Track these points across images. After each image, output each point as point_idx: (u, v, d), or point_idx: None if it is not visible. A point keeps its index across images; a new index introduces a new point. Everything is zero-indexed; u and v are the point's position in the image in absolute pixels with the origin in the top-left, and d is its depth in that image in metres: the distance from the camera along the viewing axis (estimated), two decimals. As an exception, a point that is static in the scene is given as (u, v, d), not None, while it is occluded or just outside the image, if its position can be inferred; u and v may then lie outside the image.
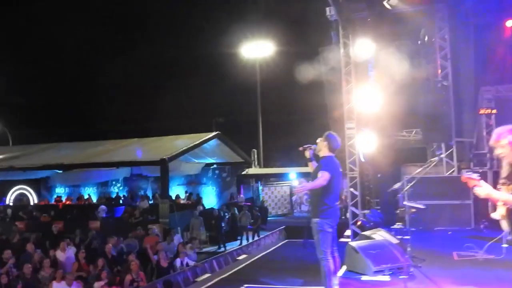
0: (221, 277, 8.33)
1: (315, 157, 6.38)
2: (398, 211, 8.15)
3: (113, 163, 15.52)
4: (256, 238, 14.04)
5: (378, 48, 10.74)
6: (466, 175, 4.65)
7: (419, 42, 11.80)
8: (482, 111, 11.68)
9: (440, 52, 11.31)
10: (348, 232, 11.36)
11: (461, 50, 11.30)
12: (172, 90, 22.05)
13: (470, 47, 11.13)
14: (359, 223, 10.07)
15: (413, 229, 10.06)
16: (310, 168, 6.39)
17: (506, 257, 7.72)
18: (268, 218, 18.37)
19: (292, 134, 18.85)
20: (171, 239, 12.36)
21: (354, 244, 7.55)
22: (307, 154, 6.32)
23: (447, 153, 11.17)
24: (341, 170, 6.26)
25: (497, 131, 4.63)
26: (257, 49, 19.46)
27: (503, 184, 4.60)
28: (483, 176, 10.90)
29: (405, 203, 7.24)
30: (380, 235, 8.17)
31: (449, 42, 11.16)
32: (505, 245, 8.21)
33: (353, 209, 10.50)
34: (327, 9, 12.28)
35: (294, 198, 21.00)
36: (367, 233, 8.32)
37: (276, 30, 17.90)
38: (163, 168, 14.50)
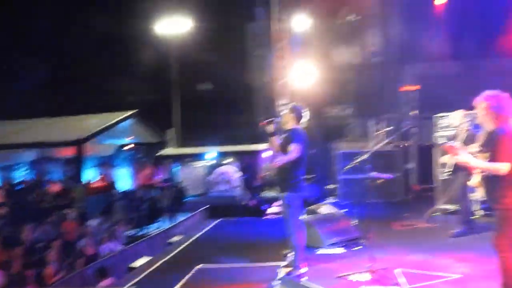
0: (163, 260, 7.86)
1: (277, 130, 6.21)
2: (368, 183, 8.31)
3: (20, 144, 14.26)
4: (179, 219, 13.65)
5: (314, 23, 10.74)
6: (448, 143, 4.74)
7: (352, 19, 11.95)
8: (404, 88, 12.18)
9: (371, 29, 11.60)
10: (274, 209, 11.47)
11: (390, 28, 11.61)
12: (81, 70, 20.63)
13: (397, 24, 11.47)
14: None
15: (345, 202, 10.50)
16: (272, 143, 6.17)
17: (441, 225, 8.10)
18: (185, 199, 18.00)
19: (212, 112, 18.47)
20: (91, 223, 11.66)
21: (306, 218, 7.49)
22: (271, 128, 6.10)
23: (378, 127, 11.53)
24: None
25: (483, 93, 4.71)
26: (173, 26, 18.85)
27: (480, 151, 4.70)
28: (407, 150, 11.50)
29: (372, 174, 7.34)
30: (326, 208, 8.22)
31: (379, 20, 11.46)
32: (437, 214, 8.64)
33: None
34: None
35: (211, 177, 20.72)
36: (312, 207, 8.30)
37: (193, 7, 17.28)
38: (78, 150, 13.64)
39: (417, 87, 12.08)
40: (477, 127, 8.46)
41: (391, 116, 11.88)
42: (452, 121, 7.90)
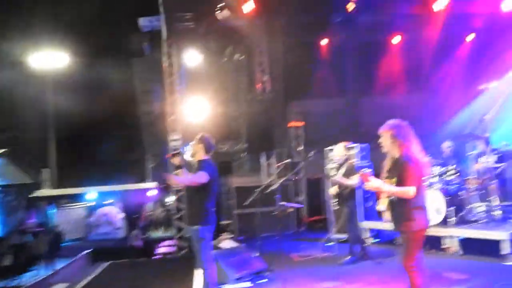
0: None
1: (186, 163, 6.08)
2: (275, 212, 8.32)
3: None
4: (58, 266, 12.60)
5: (205, 59, 10.85)
6: (361, 171, 4.97)
7: (239, 58, 12.23)
8: (291, 124, 12.73)
9: (259, 66, 12.01)
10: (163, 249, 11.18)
11: (274, 66, 12.11)
12: None
13: (281, 63, 12.01)
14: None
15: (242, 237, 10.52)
16: (180, 175, 6.01)
17: (339, 253, 8.41)
18: (63, 244, 16.73)
19: (91, 151, 17.51)
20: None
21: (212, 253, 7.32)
22: (177, 160, 5.95)
23: (268, 162, 11.85)
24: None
25: (387, 122, 5.07)
26: (49, 60, 17.80)
27: (387, 177, 5.02)
28: (297, 184, 11.91)
29: (282, 203, 7.43)
30: (227, 243, 8.15)
31: (268, 57, 11.94)
32: (331, 243, 8.97)
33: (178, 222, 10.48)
34: (140, 19, 11.90)
35: (91, 219, 19.55)
36: (213, 242, 8.15)
37: (72, 41, 16.51)
38: None
39: (302, 123, 12.70)
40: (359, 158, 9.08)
41: (280, 151, 12.28)
42: (335, 153, 8.33)
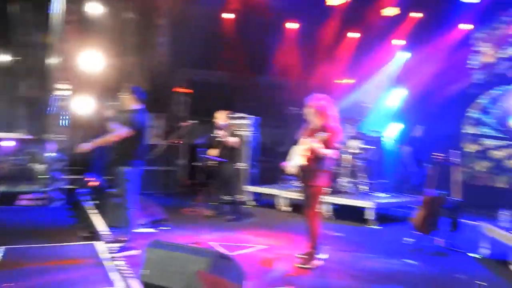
0: None
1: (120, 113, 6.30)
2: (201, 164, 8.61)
3: None
4: None
5: (106, 12, 10.73)
6: (300, 134, 5.74)
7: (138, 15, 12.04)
8: (179, 90, 13.09)
9: (157, 29, 12.08)
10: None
11: (172, 30, 12.28)
12: None
13: (178, 29, 12.20)
14: (95, 183, 9.76)
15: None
16: (112, 127, 6.22)
17: (223, 211, 9.08)
18: None
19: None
20: None
21: (116, 200, 7.50)
22: (108, 113, 6.17)
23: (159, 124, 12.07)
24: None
25: (313, 95, 5.92)
26: None
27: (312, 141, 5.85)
28: (179, 147, 12.31)
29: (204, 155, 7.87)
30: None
31: (167, 21, 12.09)
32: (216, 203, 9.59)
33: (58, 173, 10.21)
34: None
35: None
36: (116, 192, 8.27)
37: None
38: None
39: (190, 90, 13.13)
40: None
41: (167, 115, 12.58)
42: (218, 119, 9.02)
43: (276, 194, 10.24)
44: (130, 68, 11.39)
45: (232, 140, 8.66)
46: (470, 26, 12.23)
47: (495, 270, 5.96)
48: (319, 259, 5.83)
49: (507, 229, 6.04)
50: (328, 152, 5.67)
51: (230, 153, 8.78)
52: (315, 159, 5.74)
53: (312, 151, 5.72)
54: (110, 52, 11.00)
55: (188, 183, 11.91)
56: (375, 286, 5.08)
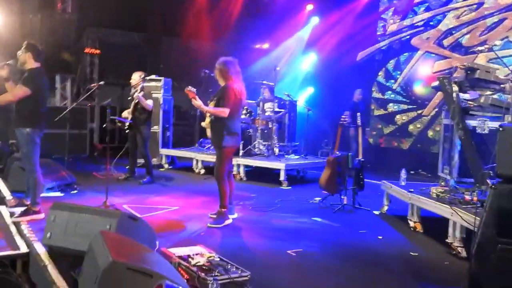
0: None
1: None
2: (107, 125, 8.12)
3: None
4: None
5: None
6: (188, 88, 5.80)
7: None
8: (87, 50, 12.50)
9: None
10: None
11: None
12: None
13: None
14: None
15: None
16: (8, 88, 5.82)
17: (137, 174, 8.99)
18: None
19: None
20: None
21: (19, 164, 7.15)
22: (4, 72, 5.75)
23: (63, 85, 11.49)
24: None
25: (220, 59, 5.99)
26: None
27: (211, 100, 6.00)
28: (91, 110, 11.90)
29: (113, 117, 7.56)
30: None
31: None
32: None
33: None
34: None
35: None
36: (16, 155, 7.89)
37: None
38: None
39: (98, 51, 12.60)
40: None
41: (75, 77, 12.03)
42: (132, 80, 8.83)
43: (192, 157, 10.22)
44: (32, 26, 10.74)
45: (146, 102, 8.48)
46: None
47: (393, 224, 6.39)
48: (228, 218, 5.96)
49: (403, 187, 6.45)
50: (213, 110, 5.83)
51: (143, 115, 8.58)
52: (217, 121, 5.86)
53: (210, 113, 5.90)
54: (10, 9, 10.30)
55: (100, 147, 11.58)
56: (282, 242, 5.26)
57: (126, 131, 8.68)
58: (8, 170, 7.30)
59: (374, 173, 10.25)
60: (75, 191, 7.36)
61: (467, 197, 5.18)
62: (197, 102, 5.86)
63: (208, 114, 6.07)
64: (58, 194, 7.10)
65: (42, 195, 6.25)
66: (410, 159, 11.67)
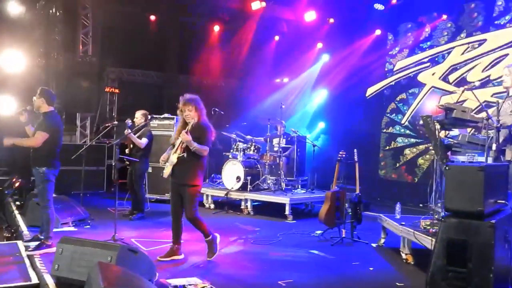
0: None
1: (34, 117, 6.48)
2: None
3: None
4: None
5: (27, 10, 10.75)
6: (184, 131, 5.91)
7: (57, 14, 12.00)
8: (107, 89, 13.20)
9: (83, 29, 12.17)
10: None
11: (97, 29, 12.38)
12: None
13: (105, 29, 12.34)
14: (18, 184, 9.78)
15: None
16: (28, 132, 6.42)
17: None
18: None
19: None
20: None
21: (35, 200, 7.64)
22: (23, 118, 6.32)
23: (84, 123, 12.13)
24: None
25: (189, 95, 6.09)
26: None
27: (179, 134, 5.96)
28: (109, 147, 12.46)
29: (121, 156, 8.03)
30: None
31: (92, 20, 12.19)
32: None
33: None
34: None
35: None
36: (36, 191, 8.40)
37: None
38: None
39: (117, 90, 13.28)
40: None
41: (95, 115, 12.68)
42: (136, 120, 9.24)
43: (202, 192, 10.55)
44: (55, 68, 11.46)
45: (138, 140, 8.75)
46: (378, 32, 13.14)
47: (386, 256, 6.63)
48: (216, 242, 6.18)
49: (397, 220, 6.71)
50: (199, 147, 5.82)
51: (139, 152, 8.82)
52: (193, 158, 5.89)
53: (186, 145, 5.84)
54: (34, 52, 11.04)
55: (117, 182, 12.03)
56: (275, 273, 5.56)
57: (127, 168, 9.09)
58: (26, 206, 7.79)
59: (383, 206, 10.48)
60: (88, 226, 7.82)
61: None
62: (187, 138, 5.77)
63: (178, 151, 5.97)
64: (72, 228, 7.56)
65: (57, 229, 6.75)
66: (419, 192, 11.83)
